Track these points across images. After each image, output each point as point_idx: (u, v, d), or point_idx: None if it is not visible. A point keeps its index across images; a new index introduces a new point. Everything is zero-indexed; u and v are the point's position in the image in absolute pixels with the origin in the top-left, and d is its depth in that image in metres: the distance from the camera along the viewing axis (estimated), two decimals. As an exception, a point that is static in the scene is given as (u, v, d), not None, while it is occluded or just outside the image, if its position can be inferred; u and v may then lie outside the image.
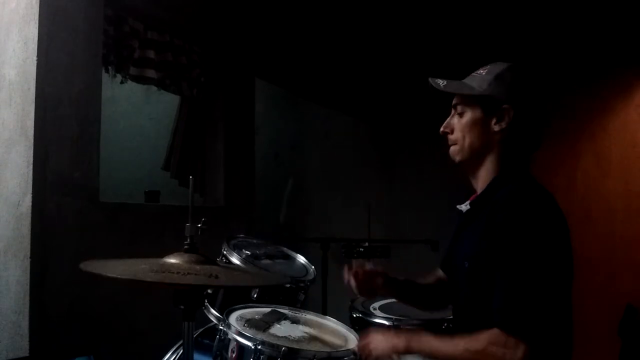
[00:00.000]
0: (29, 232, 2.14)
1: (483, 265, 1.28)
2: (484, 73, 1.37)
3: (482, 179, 1.40)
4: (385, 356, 1.36)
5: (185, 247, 1.37)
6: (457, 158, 1.40)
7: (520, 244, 1.20)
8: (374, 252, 2.73)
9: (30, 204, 2.15)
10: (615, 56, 3.29)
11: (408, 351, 1.33)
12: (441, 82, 1.39)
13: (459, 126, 1.39)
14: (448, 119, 1.43)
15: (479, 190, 1.41)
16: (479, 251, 1.30)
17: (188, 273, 1.25)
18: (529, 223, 1.22)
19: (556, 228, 1.25)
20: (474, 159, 1.38)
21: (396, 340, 1.35)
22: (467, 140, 1.37)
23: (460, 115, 1.38)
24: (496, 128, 1.33)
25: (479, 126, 1.35)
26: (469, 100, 1.36)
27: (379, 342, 1.38)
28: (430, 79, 1.40)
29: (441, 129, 1.43)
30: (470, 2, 3.37)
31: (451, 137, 1.41)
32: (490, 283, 1.24)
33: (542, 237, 1.21)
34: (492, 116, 1.33)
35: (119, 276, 1.18)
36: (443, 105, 1.51)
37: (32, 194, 2.15)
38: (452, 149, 1.41)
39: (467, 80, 1.39)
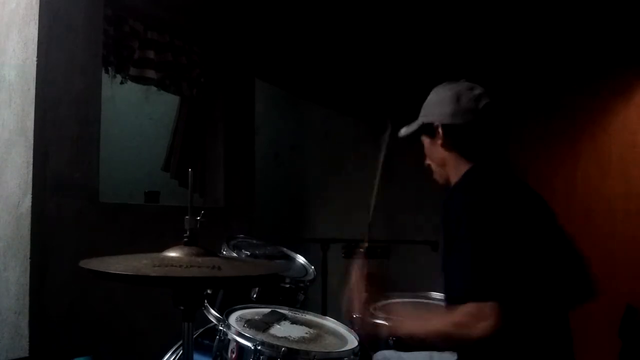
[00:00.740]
0: (29, 233, 2.14)
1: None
2: (422, 109, 1.56)
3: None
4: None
5: (185, 239, 1.36)
6: (439, 181, 1.57)
7: (450, 229, 1.32)
8: (373, 253, 2.73)
9: (30, 204, 2.15)
10: (615, 56, 3.29)
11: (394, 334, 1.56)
12: (402, 131, 1.60)
13: (426, 155, 1.58)
14: None
15: None
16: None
17: (191, 266, 1.25)
18: (455, 210, 1.34)
19: (483, 205, 1.30)
20: (444, 175, 1.54)
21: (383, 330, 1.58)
22: (433, 164, 1.56)
23: (424, 147, 1.58)
24: (439, 143, 1.48)
25: (431, 148, 1.54)
26: (418, 133, 1.56)
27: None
28: (398, 133, 1.61)
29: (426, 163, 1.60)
30: (471, 2, 3.37)
31: (429, 166, 1.59)
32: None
33: (470, 215, 1.29)
34: (433, 137, 1.50)
35: (121, 272, 1.17)
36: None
37: (32, 194, 2.15)
38: (433, 175, 1.59)
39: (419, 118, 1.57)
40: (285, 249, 2.35)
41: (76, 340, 2.30)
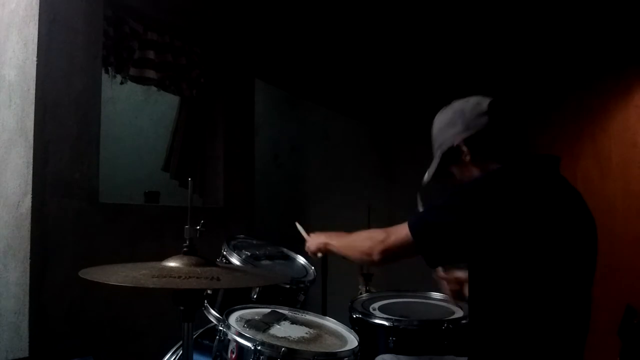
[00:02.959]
0: (29, 233, 2.14)
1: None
2: (434, 145, 1.53)
3: None
4: (316, 251, 1.74)
5: (185, 249, 1.37)
6: None
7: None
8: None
9: (30, 204, 2.15)
10: (615, 56, 3.29)
11: (328, 245, 1.67)
12: (425, 177, 1.55)
13: (461, 181, 1.50)
14: None
15: None
16: None
17: (190, 276, 1.25)
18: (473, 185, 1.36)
19: (501, 196, 1.29)
20: None
21: (320, 240, 1.71)
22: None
23: (453, 178, 1.51)
24: (468, 160, 1.43)
25: (463, 172, 1.47)
26: (444, 167, 1.49)
27: (311, 241, 1.77)
28: (422, 182, 1.59)
29: None
30: (470, 2, 3.37)
31: None
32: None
33: (476, 193, 1.31)
34: (459, 159, 1.45)
35: (120, 283, 1.17)
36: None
37: (32, 194, 2.15)
38: None
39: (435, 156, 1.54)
40: (285, 249, 2.35)
41: (76, 341, 2.30)
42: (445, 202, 1.32)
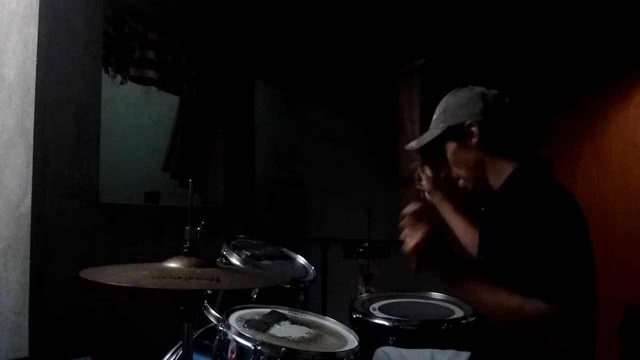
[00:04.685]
0: (29, 233, 2.14)
1: (497, 260, 1.32)
2: (435, 115, 1.50)
3: (495, 185, 1.45)
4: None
5: (185, 250, 1.37)
6: (469, 188, 1.48)
7: (544, 235, 1.22)
8: (373, 253, 2.73)
9: (30, 204, 2.15)
10: (615, 56, 3.29)
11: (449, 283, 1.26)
12: (414, 144, 1.53)
13: (451, 163, 1.49)
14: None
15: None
16: (494, 245, 1.34)
17: (190, 277, 1.25)
18: (549, 218, 1.25)
19: (574, 219, 1.29)
20: (479, 178, 1.45)
21: (440, 266, 1.29)
22: (463, 170, 1.47)
23: (445, 155, 1.49)
24: (473, 143, 1.41)
25: (460, 153, 1.45)
26: (440, 141, 1.47)
27: (424, 253, 1.32)
28: (406, 147, 1.56)
29: (444, 174, 1.54)
30: (471, 3, 3.37)
31: (453, 175, 1.50)
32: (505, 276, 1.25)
33: (563, 226, 1.24)
34: (463, 138, 1.43)
35: (121, 284, 1.17)
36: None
37: (32, 195, 2.15)
38: (460, 184, 1.50)
39: (432, 126, 1.51)
40: (285, 250, 2.35)
41: (76, 341, 2.30)
42: (554, 249, 1.21)
